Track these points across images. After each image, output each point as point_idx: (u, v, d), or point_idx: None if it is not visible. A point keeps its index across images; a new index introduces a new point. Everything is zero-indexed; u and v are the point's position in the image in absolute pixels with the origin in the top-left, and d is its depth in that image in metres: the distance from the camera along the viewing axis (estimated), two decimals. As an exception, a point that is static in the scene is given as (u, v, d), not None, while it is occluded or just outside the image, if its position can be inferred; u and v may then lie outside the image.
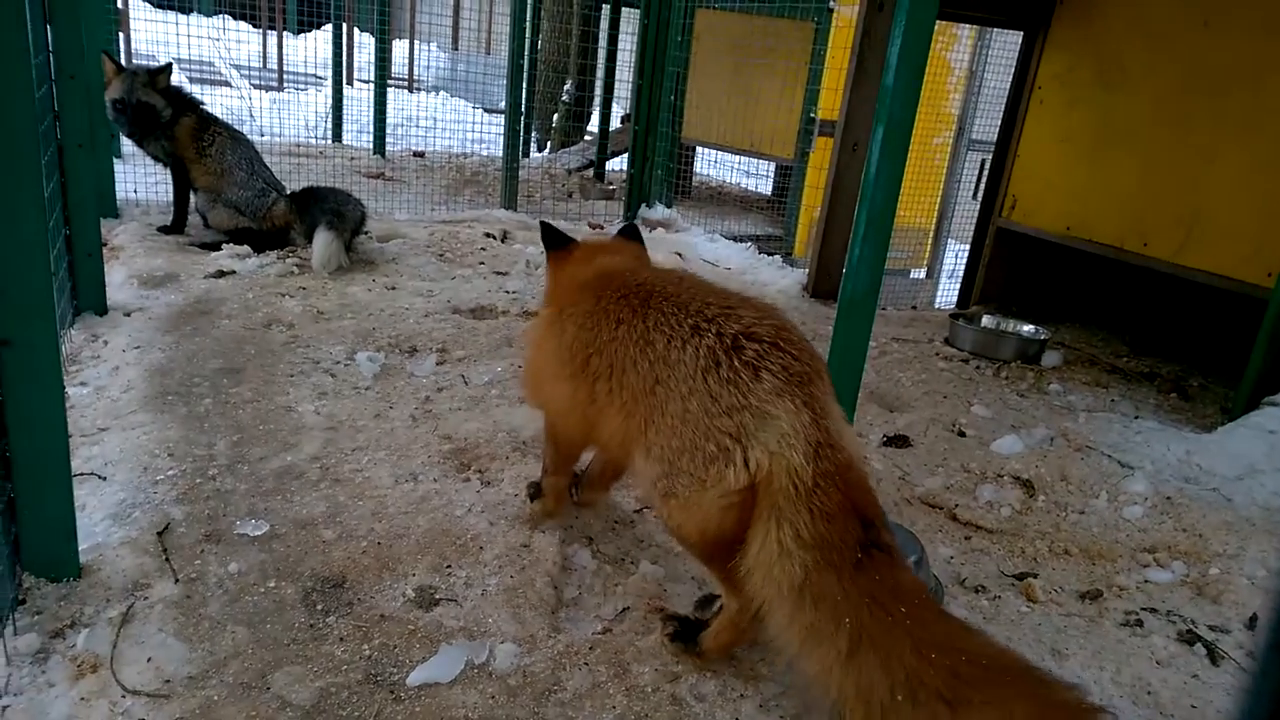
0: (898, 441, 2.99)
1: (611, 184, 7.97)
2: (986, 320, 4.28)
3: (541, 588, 1.99)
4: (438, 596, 1.94)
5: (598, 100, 8.76)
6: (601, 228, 6.03)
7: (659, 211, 6.28)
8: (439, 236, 5.00)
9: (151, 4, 11.27)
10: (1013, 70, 4.95)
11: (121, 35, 8.20)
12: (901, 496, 2.62)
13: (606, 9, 8.16)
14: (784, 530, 1.47)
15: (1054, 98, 4.57)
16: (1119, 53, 4.22)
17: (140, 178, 5.59)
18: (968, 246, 5.25)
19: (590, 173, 8.27)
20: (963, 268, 5.37)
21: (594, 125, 9.01)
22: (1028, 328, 4.18)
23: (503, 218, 5.61)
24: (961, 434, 3.13)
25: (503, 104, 6.29)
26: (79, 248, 3.22)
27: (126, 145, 6.59)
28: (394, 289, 4.02)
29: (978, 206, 5.21)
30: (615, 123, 8.42)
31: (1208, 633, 2.16)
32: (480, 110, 10.75)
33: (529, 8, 6.43)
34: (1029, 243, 4.72)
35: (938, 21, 2.47)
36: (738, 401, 1.56)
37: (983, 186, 5.18)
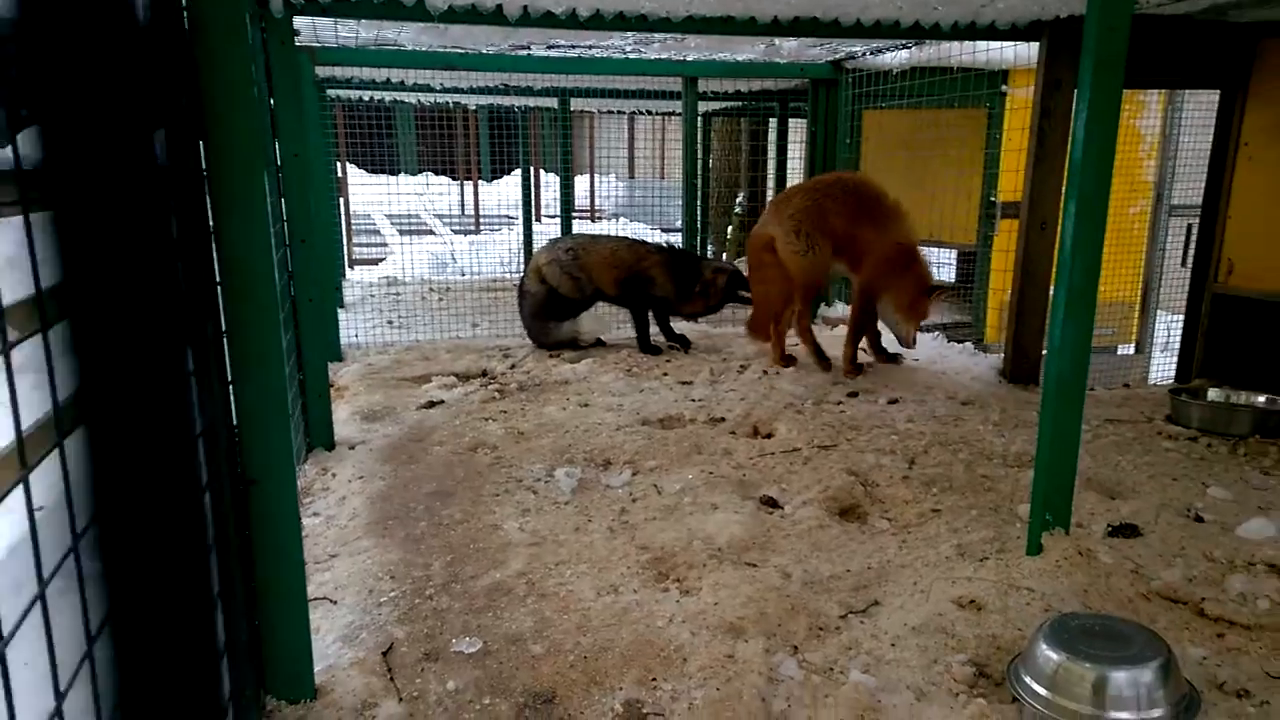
0: (1125, 531, 2.73)
1: (789, 287, 8.00)
2: (1214, 393, 3.88)
3: (749, 700, 1.93)
4: (645, 711, 1.93)
5: (769, 208, 8.92)
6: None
7: (838, 309, 6.23)
8: (625, 353, 5.18)
9: (364, 170, 12.70)
10: (1211, 130, 4.64)
11: (341, 199, 9.26)
12: (1136, 592, 2.36)
13: (774, 121, 8.41)
14: None
15: (1264, 152, 4.22)
16: (1336, 95, 3.87)
17: (358, 324, 6.21)
18: (1180, 317, 4.84)
19: (767, 278, 8.35)
20: (1177, 340, 4.95)
21: (768, 232, 9.14)
22: (1263, 398, 3.75)
23: (683, 329, 5.74)
24: (1199, 519, 2.82)
25: (679, 222, 6.55)
26: (311, 390, 3.58)
27: (348, 295, 7.36)
28: (586, 405, 4.18)
29: (1188, 274, 4.82)
30: (789, 228, 8.51)
31: None
32: (658, 231, 11.22)
33: (699, 131, 6.73)
34: (1254, 307, 4.29)
35: (1123, 91, 2.38)
36: None
37: (1192, 253, 4.80)
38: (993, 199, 5.51)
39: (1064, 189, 2.42)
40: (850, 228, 4.34)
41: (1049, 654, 1.86)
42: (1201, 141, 5.24)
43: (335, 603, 2.41)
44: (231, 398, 1.75)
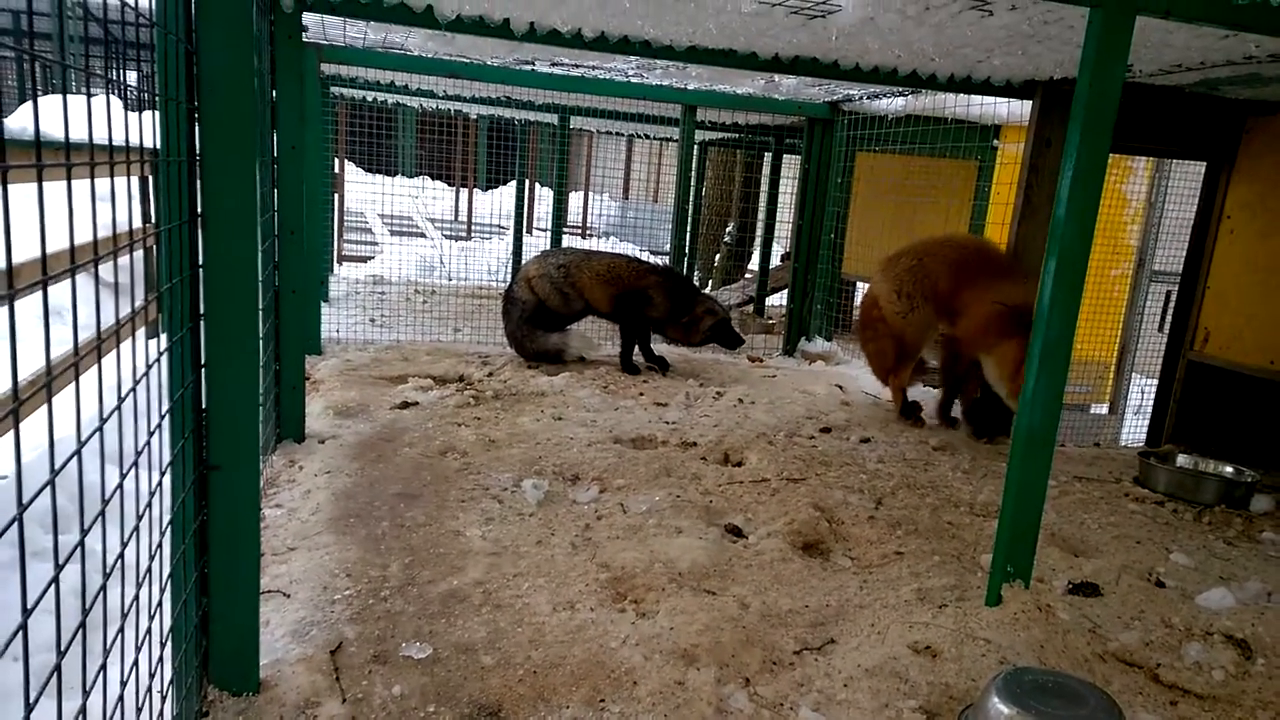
0: (1086, 589, 2.74)
1: (771, 319, 8.08)
2: (1182, 459, 3.93)
3: (695, 728, 1.92)
4: (591, 730, 1.92)
5: (758, 240, 9.03)
6: (761, 360, 6.08)
7: (818, 345, 6.27)
8: (604, 370, 5.19)
9: (362, 168, 12.69)
10: (1195, 200, 4.73)
11: (336, 195, 9.24)
12: (1093, 652, 2.37)
13: (769, 155, 8.50)
14: None
15: (1246, 227, 4.31)
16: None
17: (342, 319, 6.18)
18: (1154, 381, 4.92)
19: (750, 308, 8.42)
20: (1150, 403, 5.03)
21: (754, 263, 9.25)
22: (1231, 468, 3.80)
23: (662, 351, 5.76)
24: (1160, 584, 2.84)
25: (668, 246, 6.59)
26: (285, 381, 3.56)
27: (334, 290, 7.33)
28: (560, 419, 4.18)
29: (1164, 339, 4.90)
30: (775, 260, 8.61)
31: None
32: (647, 253, 11.29)
33: (694, 159, 6.79)
34: (1227, 378, 4.36)
35: (1111, 155, 2.42)
36: None
37: (1169, 319, 4.88)
38: (978, 250, 5.57)
39: (1046, 245, 2.46)
40: (954, 288, 4.33)
41: (1000, 708, 1.87)
42: (1186, 210, 5.37)
43: (288, 596, 2.38)
44: (203, 381, 1.74)
